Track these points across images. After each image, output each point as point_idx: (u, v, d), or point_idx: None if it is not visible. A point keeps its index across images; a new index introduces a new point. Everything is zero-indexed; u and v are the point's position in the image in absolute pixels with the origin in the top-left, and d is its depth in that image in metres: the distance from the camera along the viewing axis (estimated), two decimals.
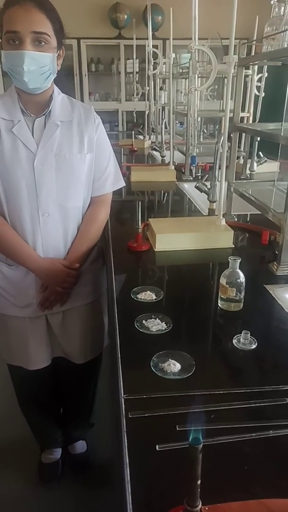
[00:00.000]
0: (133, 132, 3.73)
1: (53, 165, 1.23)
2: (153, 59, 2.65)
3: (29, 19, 1.07)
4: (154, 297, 1.08)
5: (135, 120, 4.23)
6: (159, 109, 3.44)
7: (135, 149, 3.65)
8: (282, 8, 1.26)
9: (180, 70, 3.19)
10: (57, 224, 1.27)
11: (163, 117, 3.36)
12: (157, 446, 0.62)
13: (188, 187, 2.34)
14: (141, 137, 4.10)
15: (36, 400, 1.63)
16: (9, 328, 1.39)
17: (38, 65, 1.12)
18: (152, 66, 2.64)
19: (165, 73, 3.22)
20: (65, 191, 1.26)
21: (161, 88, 3.24)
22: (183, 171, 2.54)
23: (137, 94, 4.36)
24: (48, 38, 1.11)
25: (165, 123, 2.90)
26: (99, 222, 1.38)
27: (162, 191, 2.37)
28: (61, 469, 1.76)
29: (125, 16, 5.28)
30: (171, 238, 1.42)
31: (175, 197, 2.30)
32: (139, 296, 1.09)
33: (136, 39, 4.47)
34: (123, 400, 0.72)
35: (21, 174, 1.21)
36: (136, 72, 4.57)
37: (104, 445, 1.83)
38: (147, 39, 3.67)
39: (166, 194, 2.35)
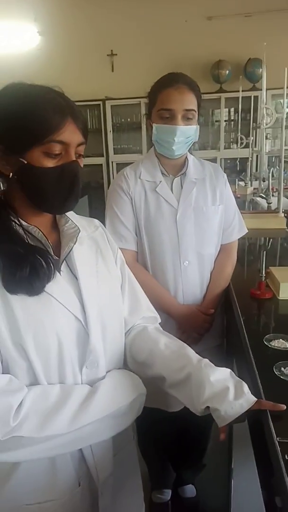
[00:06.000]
0: (236, 179, 3.85)
1: (192, 218, 1.37)
2: (266, 115, 2.78)
3: (182, 99, 1.26)
4: (287, 345, 1.11)
5: (238, 168, 4.35)
6: (262, 157, 3.53)
7: (238, 195, 3.74)
8: None
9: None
10: (195, 270, 1.40)
11: (268, 165, 3.43)
12: None
13: None
14: (242, 183, 4.20)
15: (160, 440, 1.68)
16: None
17: (185, 136, 1.30)
18: (264, 122, 2.77)
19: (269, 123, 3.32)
20: (202, 240, 1.39)
21: (266, 137, 3.33)
22: None
23: (237, 142, 4.53)
24: (194, 113, 1.30)
25: (272, 171, 2.96)
26: (229, 268, 1.48)
27: (272, 239, 2.39)
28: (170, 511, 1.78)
29: (226, 72, 5.58)
30: None
31: (286, 245, 2.31)
32: (272, 343, 1.12)
33: (237, 91, 4.73)
34: (277, 442, 0.76)
35: (164, 227, 1.37)
36: (233, 120, 4.74)
37: (213, 492, 1.82)
38: (248, 90, 3.90)
39: (277, 241, 2.37)
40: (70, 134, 0.80)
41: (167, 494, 1.81)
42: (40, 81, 0.85)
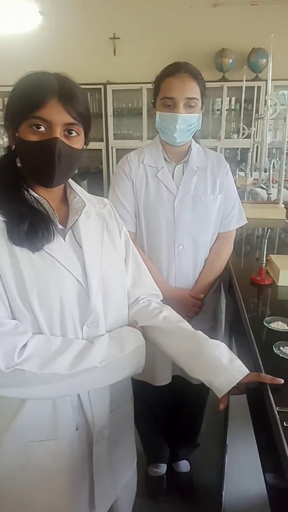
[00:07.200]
0: (237, 169, 3.88)
1: (190, 205, 1.42)
2: (270, 106, 2.81)
3: (184, 88, 1.30)
4: (286, 327, 1.18)
5: (239, 158, 4.39)
6: (264, 148, 3.56)
7: (238, 186, 3.78)
8: None
9: None
10: (188, 256, 1.45)
11: (268, 156, 3.48)
12: None
13: None
14: (242, 173, 4.23)
15: (153, 414, 1.76)
16: None
17: (187, 124, 1.34)
18: (268, 113, 2.80)
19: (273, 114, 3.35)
20: (198, 227, 1.44)
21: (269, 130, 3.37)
22: None
23: (238, 132, 4.56)
24: (197, 101, 1.33)
25: (273, 162, 3.00)
26: (224, 256, 1.53)
27: (271, 229, 2.45)
28: (166, 484, 1.86)
29: (230, 61, 5.57)
30: None
31: (285, 236, 2.37)
32: (271, 325, 1.19)
33: (239, 81, 4.75)
34: (276, 411, 0.83)
35: (162, 212, 1.42)
36: (234, 110, 4.76)
37: (207, 468, 1.91)
38: (250, 80, 3.92)
39: (275, 232, 2.43)
40: (53, 113, 0.85)
41: (163, 468, 1.90)
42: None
